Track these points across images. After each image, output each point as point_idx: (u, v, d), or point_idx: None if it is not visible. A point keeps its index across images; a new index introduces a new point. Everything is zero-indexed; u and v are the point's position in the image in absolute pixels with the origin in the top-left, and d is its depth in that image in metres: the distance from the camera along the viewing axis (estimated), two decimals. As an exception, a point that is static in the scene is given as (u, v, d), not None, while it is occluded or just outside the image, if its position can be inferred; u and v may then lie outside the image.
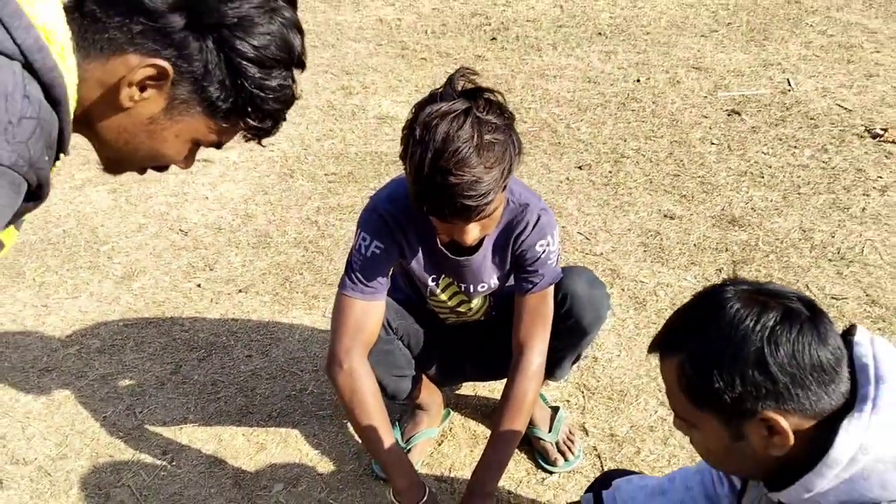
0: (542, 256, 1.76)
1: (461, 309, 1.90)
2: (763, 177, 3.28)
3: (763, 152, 3.48)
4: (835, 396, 1.03)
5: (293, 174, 3.52)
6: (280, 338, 2.55)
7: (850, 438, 0.99)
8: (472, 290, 1.83)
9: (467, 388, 2.31)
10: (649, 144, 3.62)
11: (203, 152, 1.16)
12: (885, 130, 3.56)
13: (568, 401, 2.25)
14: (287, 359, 2.46)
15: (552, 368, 1.94)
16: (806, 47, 4.54)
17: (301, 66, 1.08)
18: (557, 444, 2.06)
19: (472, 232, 1.53)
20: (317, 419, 2.22)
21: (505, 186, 1.50)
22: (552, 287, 1.80)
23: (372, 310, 1.74)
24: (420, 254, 1.77)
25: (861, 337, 1.08)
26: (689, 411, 1.10)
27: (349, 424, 2.18)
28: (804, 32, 4.71)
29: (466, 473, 1.98)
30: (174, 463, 2.10)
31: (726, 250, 2.85)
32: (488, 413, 2.21)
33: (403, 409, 2.18)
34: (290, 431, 2.18)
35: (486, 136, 1.41)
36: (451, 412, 2.21)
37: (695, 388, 1.06)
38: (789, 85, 4.10)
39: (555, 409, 2.15)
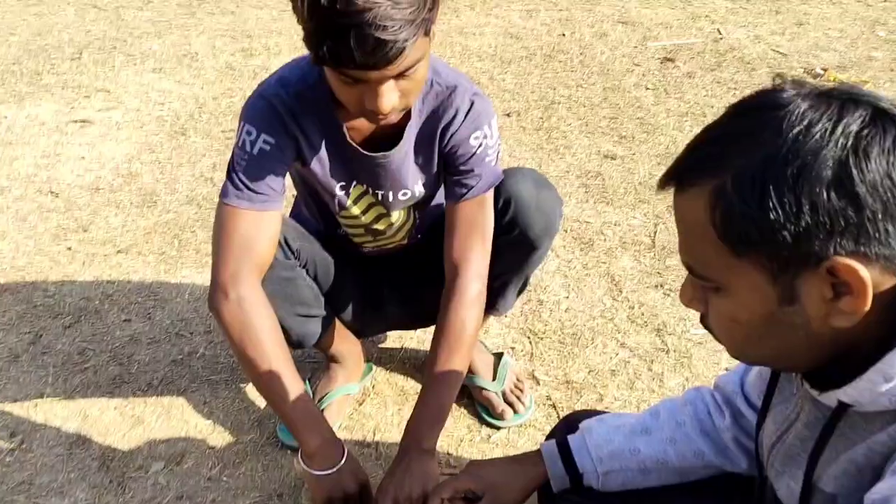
0: (478, 152, 1.41)
1: (379, 226, 1.53)
2: (706, 116, 3.03)
3: (703, 94, 3.24)
4: None
5: (185, 132, 3.08)
6: (166, 298, 2.12)
7: None
8: (391, 198, 1.46)
9: (393, 340, 1.94)
10: (581, 91, 3.33)
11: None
12: (825, 70, 3.38)
13: (512, 348, 1.90)
14: (174, 320, 2.03)
15: (494, 298, 1.59)
16: (732, 1, 4.37)
17: None
18: (504, 394, 1.71)
19: (389, 96, 1.17)
20: (209, 384, 1.81)
21: (427, 31, 1.15)
22: (491, 191, 1.45)
23: (263, 222, 1.35)
24: (323, 151, 1.39)
25: None
26: (717, 264, 0.74)
27: (249, 384, 1.78)
28: (730, -13, 4.55)
29: (395, 436, 1.61)
30: (24, 446, 1.65)
31: (674, 187, 2.57)
32: (419, 366, 1.84)
33: (315, 366, 1.80)
34: (175, 400, 1.76)
35: None
36: (374, 367, 1.83)
37: (737, 223, 0.69)
38: (720, 34, 3.90)
39: (498, 356, 1.80)
